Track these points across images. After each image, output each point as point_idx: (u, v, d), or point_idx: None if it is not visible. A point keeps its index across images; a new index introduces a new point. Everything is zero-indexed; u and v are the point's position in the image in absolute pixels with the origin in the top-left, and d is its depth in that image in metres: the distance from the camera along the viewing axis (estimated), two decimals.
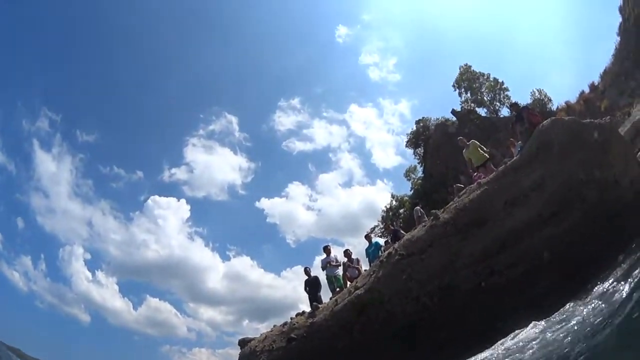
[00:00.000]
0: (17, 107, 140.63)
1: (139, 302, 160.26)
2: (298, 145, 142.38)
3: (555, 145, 8.61)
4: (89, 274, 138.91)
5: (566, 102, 25.76)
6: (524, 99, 27.92)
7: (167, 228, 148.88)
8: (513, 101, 24.64)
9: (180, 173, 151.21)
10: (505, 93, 29.49)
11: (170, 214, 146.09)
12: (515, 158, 9.47)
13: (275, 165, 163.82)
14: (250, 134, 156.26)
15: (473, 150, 11.91)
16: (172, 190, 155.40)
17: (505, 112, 28.14)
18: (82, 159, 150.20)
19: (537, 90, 28.56)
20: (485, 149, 12.12)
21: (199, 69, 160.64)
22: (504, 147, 13.91)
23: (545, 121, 9.37)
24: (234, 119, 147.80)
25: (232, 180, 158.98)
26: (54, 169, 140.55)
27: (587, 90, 25.14)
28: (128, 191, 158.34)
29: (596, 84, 24.65)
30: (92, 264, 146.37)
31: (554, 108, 26.52)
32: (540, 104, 26.59)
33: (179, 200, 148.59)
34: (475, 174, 11.08)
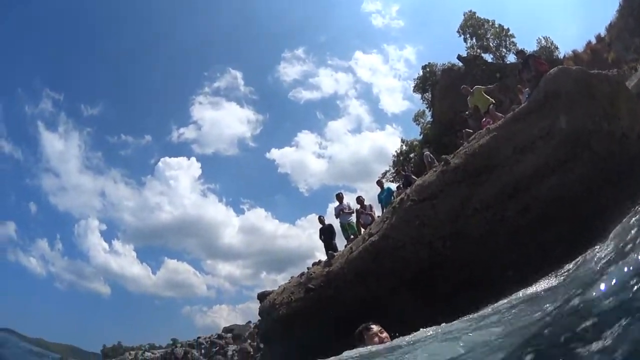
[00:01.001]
0: (18, 94, 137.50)
1: (157, 266, 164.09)
2: (305, 95, 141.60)
3: (562, 94, 8.54)
4: (106, 245, 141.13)
5: (573, 51, 25.21)
6: (530, 47, 27.24)
7: (179, 188, 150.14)
8: (519, 48, 24.35)
9: (188, 132, 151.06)
10: (511, 40, 28.82)
11: (182, 173, 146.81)
12: (523, 105, 9.41)
13: (283, 116, 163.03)
14: (256, 87, 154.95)
15: (478, 97, 11.87)
16: (181, 150, 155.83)
17: (511, 58, 27.47)
18: (89, 133, 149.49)
19: (544, 37, 27.92)
20: (490, 87, 12.10)
21: (199, 28, 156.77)
22: (511, 93, 13.89)
23: (553, 69, 9.27)
24: (239, 74, 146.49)
25: (241, 134, 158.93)
26: (61, 147, 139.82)
27: (593, 41, 24.65)
28: (138, 156, 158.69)
29: (602, 35, 24.18)
30: (108, 235, 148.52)
31: (560, 56, 26.08)
32: (547, 52, 26.05)
33: (189, 159, 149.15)
34: (484, 119, 11.12)
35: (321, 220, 13.00)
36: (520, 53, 13.62)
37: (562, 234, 7.24)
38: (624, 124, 8.60)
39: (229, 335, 20.46)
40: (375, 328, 3.89)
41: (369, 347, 3.72)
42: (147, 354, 25.81)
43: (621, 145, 8.42)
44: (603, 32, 24.13)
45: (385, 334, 3.87)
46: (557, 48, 27.24)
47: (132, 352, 27.50)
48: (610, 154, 8.26)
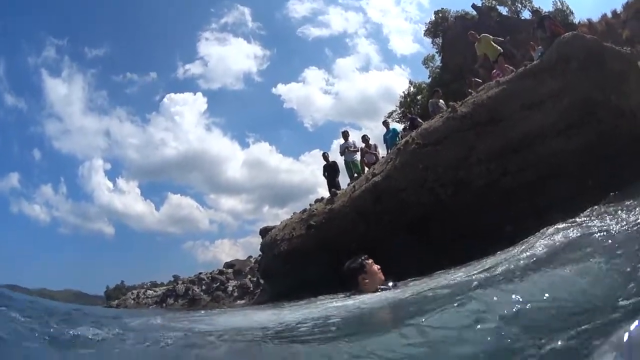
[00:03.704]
0: (21, 48, 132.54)
1: (160, 202, 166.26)
2: (313, 32, 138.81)
3: (574, 60, 8.55)
4: (110, 184, 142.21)
5: (588, 20, 24.61)
6: (545, 6, 26.60)
7: (184, 123, 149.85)
8: (535, 7, 23.83)
9: (194, 68, 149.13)
10: None
11: (187, 109, 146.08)
12: (534, 62, 9.45)
13: (291, 52, 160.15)
14: (264, 22, 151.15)
15: (486, 45, 11.75)
16: (187, 86, 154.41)
17: (526, 14, 27.05)
18: (93, 74, 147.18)
19: (559, 0, 27.23)
20: (499, 39, 11.95)
21: None
22: (523, 49, 13.70)
23: (567, 33, 9.29)
24: (247, 10, 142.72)
25: (248, 69, 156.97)
26: (65, 91, 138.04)
27: (609, 15, 23.93)
28: (143, 94, 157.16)
29: (618, 12, 23.46)
30: (112, 173, 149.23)
31: (575, 22, 25.46)
32: (561, 15, 25.36)
33: (194, 95, 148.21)
34: (494, 71, 11.09)
35: (325, 157, 13.09)
36: (536, 12, 13.47)
37: (558, 198, 7.27)
38: (633, 103, 8.60)
39: (230, 270, 20.80)
40: (371, 260, 4.03)
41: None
42: (149, 292, 26.08)
43: (629, 122, 8.44)
44: (619, 9, 23.45)
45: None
46: (572, 13, 26.58)
47: (135, 292, 27.60)
48: (616, 129, 8.31)
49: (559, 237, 4.62)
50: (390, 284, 3.97)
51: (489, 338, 1.89)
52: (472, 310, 2.24)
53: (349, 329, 3.00)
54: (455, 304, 2.47)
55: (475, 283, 3.21)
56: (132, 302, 24.57)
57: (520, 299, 2.20)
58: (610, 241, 3.44)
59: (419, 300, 3.28)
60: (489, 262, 4.68)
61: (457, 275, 4.42)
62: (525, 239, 5.48)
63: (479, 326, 2.04)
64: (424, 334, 2.06)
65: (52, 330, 2.99)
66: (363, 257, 4.00)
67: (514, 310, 2.07)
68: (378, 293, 3.74)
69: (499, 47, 11.58)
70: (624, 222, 4.43)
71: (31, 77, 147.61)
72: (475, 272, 4.14)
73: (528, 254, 4.07)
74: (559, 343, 1.61)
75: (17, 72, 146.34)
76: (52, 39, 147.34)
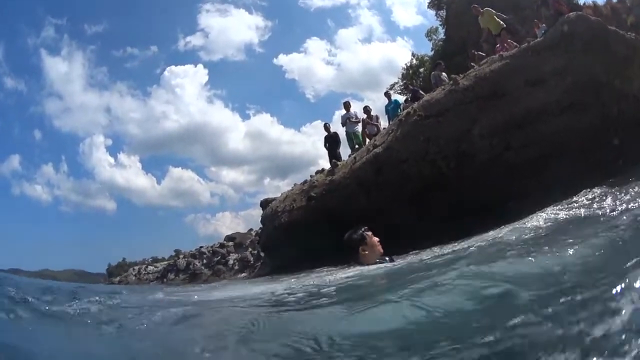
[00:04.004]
0: (20, 30, 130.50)
1: (162, 175, 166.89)
2: (315, 2, 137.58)
3: (578, 40, 8.55)
4: (111, 159, 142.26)
5: (593, 2, 24.34)
6: None
7: (185, 96, 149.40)
8: None
9: (195, 39, 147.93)
10: None
11: (188, 81, 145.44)
12: (538, 40, 9.43)
13: (293, 22, 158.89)
14: None
15: (489, 19, 11.64)
16: (188, 58, 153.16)
17: None
18: (93, 50, 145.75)
19: None
20: (502, 16, 11.82)
21: None
22: (528, 26, 13.59)
23: (572, 13, 9.26)
24: None
25: (249, 40, 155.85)
26: (65, 68, 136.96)
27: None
28: (144, 68, 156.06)
29: None
30: (114, 149, 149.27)
31: (580, 2, 25.18)
32: None
33: (195, 67, 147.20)
34: (498, 45, 11.03)
35: (327, 127, 12.97)
36: None
37: (561, 177, 7.22)
38: (636, 88, 8.62)
39: (231, 243, 20.88)
40: (371, 232, 3.96)
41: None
42: (150, 267, 26.15)
43: (632, 107, 8.45)
44: None
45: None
46: None
47: (136, 268, 27.73)
48: (620, 112, 8.36)
49: (549, 219, 4.74)
50: (387, 258, 3.93)
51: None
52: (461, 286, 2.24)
53: (340, 298, 3.07)
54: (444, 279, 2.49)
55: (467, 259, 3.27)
56: (134, 278, 24.82)
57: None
58: (600, 227, 3.44)
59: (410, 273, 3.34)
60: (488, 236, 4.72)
61: (449, 250, 4.52)
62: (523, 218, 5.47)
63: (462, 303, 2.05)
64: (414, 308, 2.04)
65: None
66: (364, 228, 3.94)
67: (498, 288, 2.07)
68: (375, 266, 3.73)
69: (501, 22, 11.48)
70: (621, 206, 4.53)
71: (30, 58, 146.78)
72: (473, 244, 4.26)
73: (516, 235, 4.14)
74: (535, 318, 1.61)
75: (17, 54, 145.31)
76: (50, 18, 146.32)
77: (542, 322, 1.57)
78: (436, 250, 5.72)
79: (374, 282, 3.27)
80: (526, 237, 4.14)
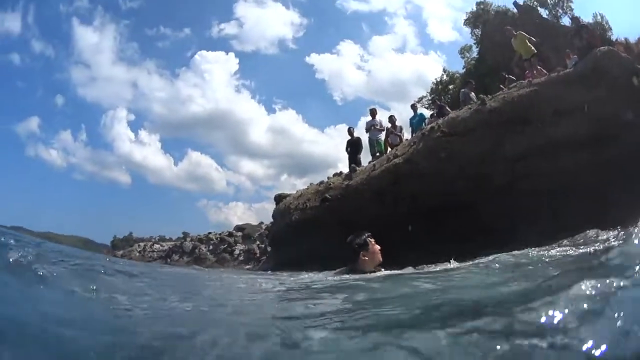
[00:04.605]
0: None
1: (180, 157, 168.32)
2: (353, 5, 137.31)
3: (608, 75, 8.49)
4: (132, 135, 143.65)
5: (625, 39, 24.17)
6: (585, 18, 26.01)
7: (213, 82, 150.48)
8: (576, 15, 23.39)
9: (229, 28, 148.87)
10: (569, 3, 27.57)
11: (218, 67, 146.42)
12: (569, 70, 9.45)
13: (328, 22, 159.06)
14: None
15: (521, 43, 11.56)
16: (220, 45, 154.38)
17: (565, 21, 26.57)
18: (126, 25, 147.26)
19: (599, 14, 26.55)
20: (533, 40, 11.69)
21: None
22: (559, 55, 13.59)
23: (603, 47, 9.22)
24: None
25: (283, 35, 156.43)
26: (95, 39, 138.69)
27: None
28: (175, 49, 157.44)
29: None
30: (135, 125, 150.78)
31: (612, 38, 25.00)
32: (600, 28, 24.85)
33: (227, 54, 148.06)
34: (527, 71, 11.04)
35: (350, 132, 13.03)
36: (575, 19, 13.34)
37: (577, 211, 7.05)
38: None
39: (240, 234, 20.93)
40: (374, 240, 4.06)
41: None
42: (156, 246, 26.48)
43: None
44: None
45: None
46: (610, 29, 26.00)
47: (142, 244, 28.09)
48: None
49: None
50: (382, 269, 4.00)
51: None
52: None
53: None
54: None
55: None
56: (138, 254, 25.00)
57: None
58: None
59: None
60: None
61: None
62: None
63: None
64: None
65: None
66: (367, 234, 4.06)
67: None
68: (372, 274, 3.81)
69: (533, 48, 11.45)
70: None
71: (62, 24, 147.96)
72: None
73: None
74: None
75: (48, 19, 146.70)
76: None
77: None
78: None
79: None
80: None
